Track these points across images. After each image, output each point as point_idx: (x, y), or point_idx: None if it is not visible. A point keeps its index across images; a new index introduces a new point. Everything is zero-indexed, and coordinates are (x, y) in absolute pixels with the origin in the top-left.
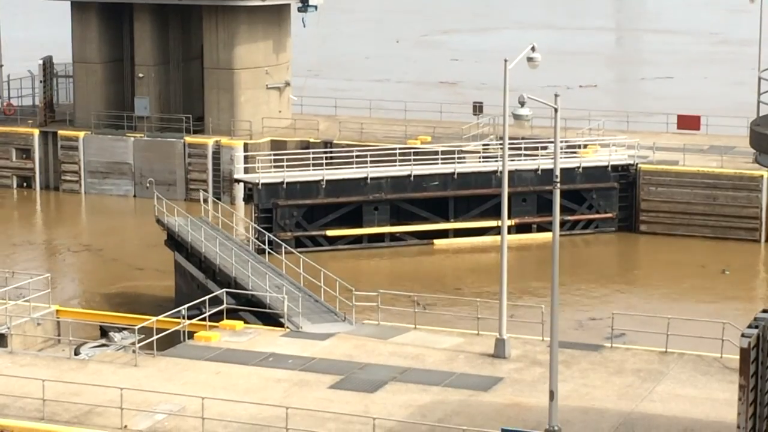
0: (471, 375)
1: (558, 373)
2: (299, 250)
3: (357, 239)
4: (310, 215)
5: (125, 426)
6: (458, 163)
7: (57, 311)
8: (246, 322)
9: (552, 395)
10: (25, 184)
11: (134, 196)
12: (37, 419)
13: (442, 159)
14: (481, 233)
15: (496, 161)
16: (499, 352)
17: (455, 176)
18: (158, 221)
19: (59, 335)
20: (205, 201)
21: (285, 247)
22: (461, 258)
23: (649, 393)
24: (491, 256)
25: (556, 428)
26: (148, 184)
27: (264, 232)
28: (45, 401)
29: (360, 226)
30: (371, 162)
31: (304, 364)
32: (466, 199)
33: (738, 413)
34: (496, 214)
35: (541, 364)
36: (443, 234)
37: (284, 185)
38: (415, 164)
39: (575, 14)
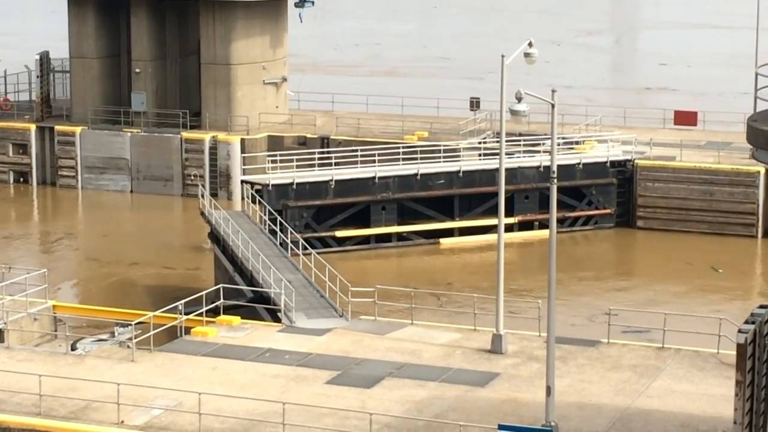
0: (468, 371)
1: (555, 368)
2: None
3: (365, 240)
4: (319, 216)
5: (122, 421)
6: (463, 160)
7: (54, 306)
8: (258, 317)
9: (549, 391)
10: (21, 180)
11: (131, 191)
12: (34, 414)
13: (444, 157)
14: (486, 231)
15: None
16: (496, 347)
17: (460, 174)
18: (202, 215)
19: (56, 330)
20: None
21: (302, 244)
22: (467, 256)
23: (646, 388)
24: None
25: (552, 424)
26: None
27: (287, 226)
28: (42, 396)
29: (368, 225)
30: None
31: (301, 360)
32: (471, 197)
33: (735, 409)
34: None
35: (538, 360)
36: (449, 233)
37: (294, 186)
38: (421, 163)
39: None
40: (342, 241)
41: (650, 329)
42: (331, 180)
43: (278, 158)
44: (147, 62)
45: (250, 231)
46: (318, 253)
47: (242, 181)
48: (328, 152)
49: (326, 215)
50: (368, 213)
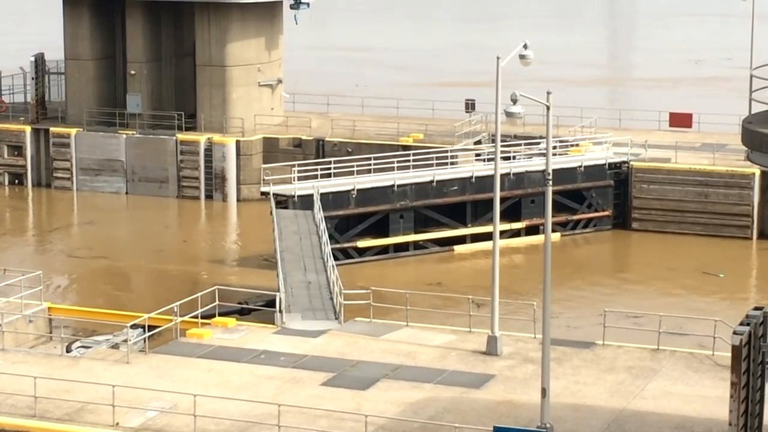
0: (463, 372)
1: (550, 370)
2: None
3: (384, 249)
4: (341, 226)
5: (117, 423)
6: (475, 165)
7: (49, 308)
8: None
9: (544, 392)
10: (17, 181)
11: (126, 193)
12: (29, 416)
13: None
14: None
15: (510, 162)
16: (491, 349)
17: (473, 180)
18: (271, 214)
19: (51, 332)
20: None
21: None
22: (479, 262)
23: (641, 390)
24: (506, 260)
25: (547, 425)
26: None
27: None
28: (37, 398)
29: (386, 234)
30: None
31: (296, 362)
32: (482, 203)
33: (730, 410)
34: (509, 216)
35: (533, 362)
36: (462, 240)
37: (318, 196)
38: (437, 169)
39: None
40: (363, 251)
41: (689, 334)
42: (353, 189)
43: (295, 167)
44: (142, 64)
45: (305, 231)
46: (339, 265)
47: (262, 193)
48: (349, 161)
49: (344, 226)
50: (387, 221)
